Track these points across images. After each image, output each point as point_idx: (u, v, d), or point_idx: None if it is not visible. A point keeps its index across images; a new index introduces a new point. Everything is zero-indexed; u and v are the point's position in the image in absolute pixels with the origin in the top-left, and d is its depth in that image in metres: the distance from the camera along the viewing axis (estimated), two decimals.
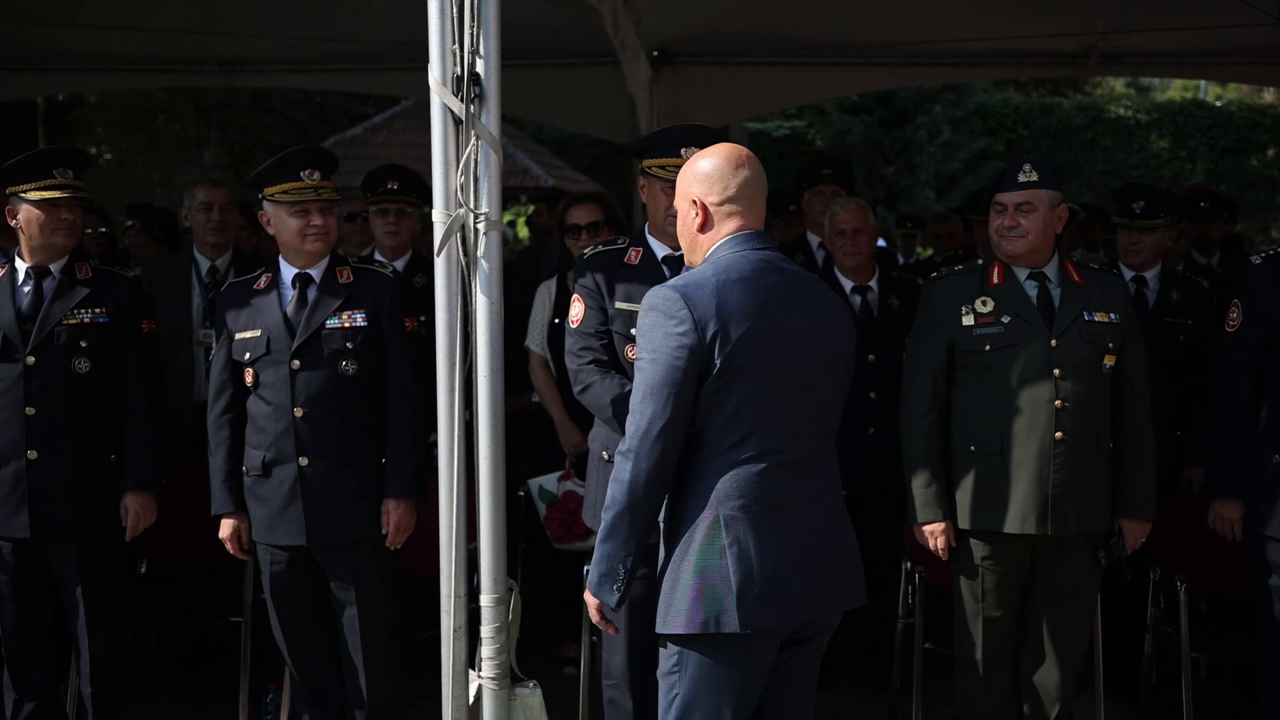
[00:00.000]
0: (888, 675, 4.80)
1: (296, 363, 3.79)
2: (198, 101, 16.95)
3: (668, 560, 2.86)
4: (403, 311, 4.01)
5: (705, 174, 2.92)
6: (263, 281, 3.90)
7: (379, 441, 3.91)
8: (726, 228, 2.89)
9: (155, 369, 4.07)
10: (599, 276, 3.72)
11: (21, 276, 3.94)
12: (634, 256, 3.77)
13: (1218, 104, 22.63)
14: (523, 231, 16.90)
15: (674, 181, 3.29)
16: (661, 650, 2.91)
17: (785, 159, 20.97)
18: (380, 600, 3.96)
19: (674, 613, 2.82)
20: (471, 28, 3.20)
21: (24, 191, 3.85)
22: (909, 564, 4.48)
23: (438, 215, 3.25)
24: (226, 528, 3.96)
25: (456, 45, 3.22)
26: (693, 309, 2.74)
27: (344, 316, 3.83)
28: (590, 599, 2.93)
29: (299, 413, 3.77)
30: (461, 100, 3.21)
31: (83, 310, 3.91)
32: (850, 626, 4.92)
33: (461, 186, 3.22)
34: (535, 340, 5.07)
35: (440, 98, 3.24)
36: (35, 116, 16.83)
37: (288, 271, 3.92)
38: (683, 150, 3.61)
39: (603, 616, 2.96)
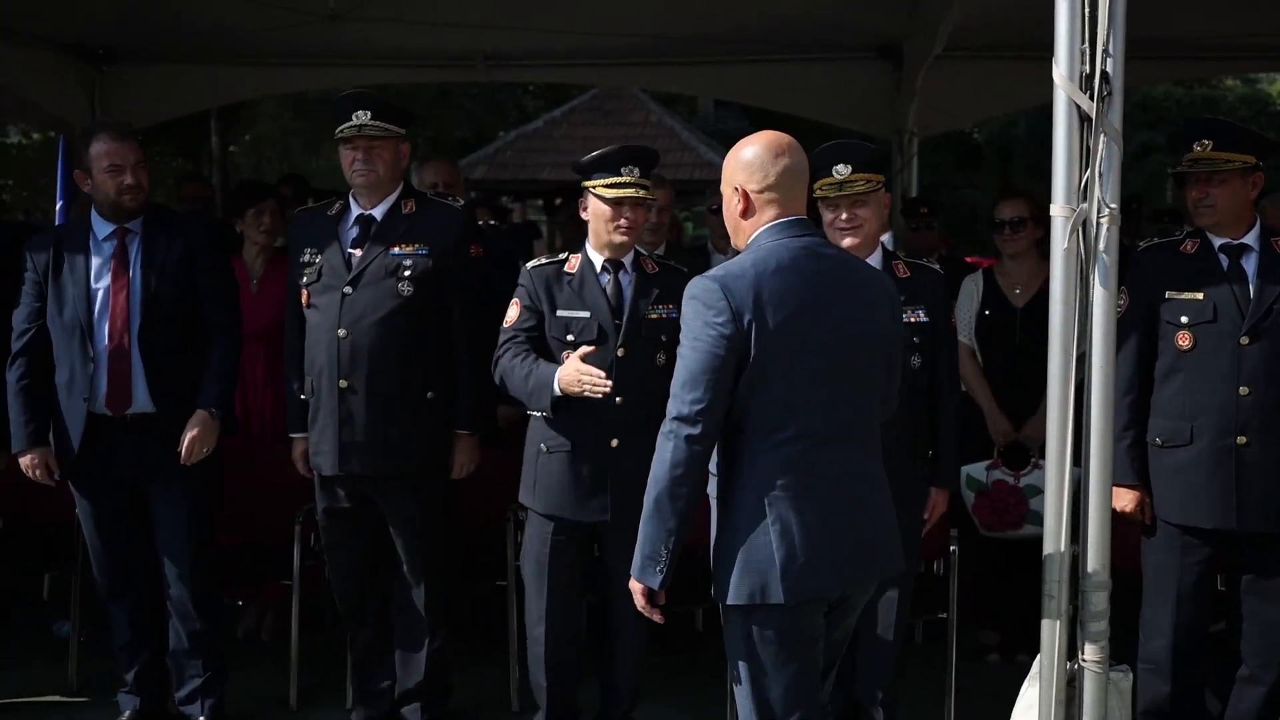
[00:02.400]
0: None
1: None
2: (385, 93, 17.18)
3: (718, 537, 2.98)
4: None
5: (747, 162, 3.00)
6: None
7: None
8: (767, 214, 2.98)
9: None
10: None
11: (599, 268, 4.06)
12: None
13: None
14: None
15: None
16: (723, 616, 3.02)
17: (940, 151, 20.92)
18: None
19: (725, 585, 2.93)
20: (1105, 28, 3.28)
21: (595, 186, 3.99)
22: None
23: (1059, 210, 3.34)
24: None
25: (1086, 45, 3.30)
26: (730, 299, 2.84)
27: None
28: (635, 585, 2.97)
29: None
30: (1091, 98, 3.30)
31: (659, 306, 4.04)
32: None
33: (1086, 182, 3.31)
34: (964, 331, 5.15)
35: (1067, 94, 3.32)
36: None
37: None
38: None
39: (648, 602, 2.98)
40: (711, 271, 2.96)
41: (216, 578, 4.58)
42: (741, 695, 3.02)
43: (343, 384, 4.17)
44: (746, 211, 3.02)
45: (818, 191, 3.96)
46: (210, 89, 9.57)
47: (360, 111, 4.19)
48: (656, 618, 3.04)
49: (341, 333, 4.16)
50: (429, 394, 4.25)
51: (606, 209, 3.98)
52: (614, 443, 3.96)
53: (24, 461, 4.36)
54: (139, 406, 4.29)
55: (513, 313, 4.07)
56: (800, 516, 2.89)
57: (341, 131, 4.22)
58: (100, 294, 4.28)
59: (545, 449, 4.03)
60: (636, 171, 3.99)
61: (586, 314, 3.99)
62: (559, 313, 4.03)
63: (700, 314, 2.89)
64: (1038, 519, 4.73)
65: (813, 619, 2.99)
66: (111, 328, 4.26)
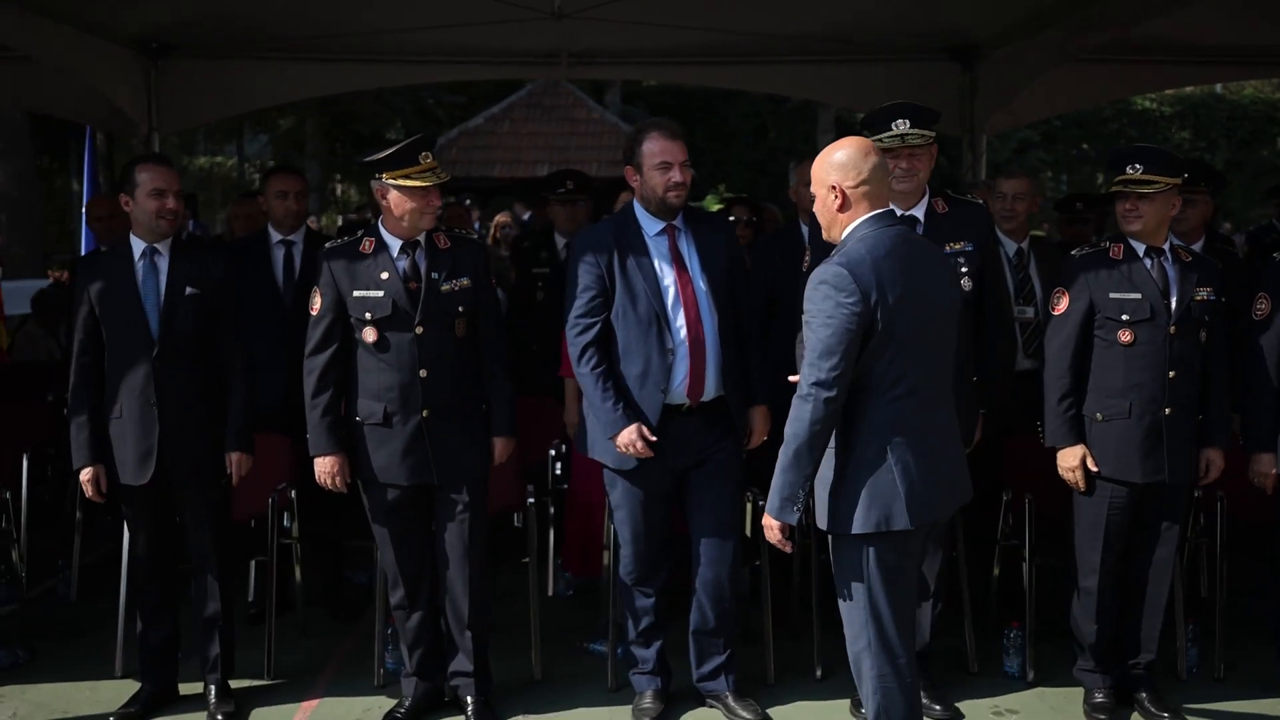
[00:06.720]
0: None
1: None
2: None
3: (836, 478, 3.49)
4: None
5: (841, 163, 3.50)
6: None
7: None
8: (863, 207, 3.49)
9: None
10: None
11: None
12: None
13: (1233, 98, 24.15)
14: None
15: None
16: (835, 546, 3.55)
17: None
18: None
19: (844, 517, 3.46)
20: None
21: None
22: None
23: None
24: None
25: None
26: (858, 282, 3.36)
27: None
28: (772, 521, 3.49)
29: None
30: None
31: None
32: None
33: None
34: None
35: None
36: None
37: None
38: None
39: (784, 537, 3.51)
40: (834, 259, 3.43)
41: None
42: (855, 612, 3.51)
43: None
44: (844, 206, 3.50)
45: None
46: (274, 85, 9.38)
47: (899, 120, 4.34)
48: (788, 548, 3.59)
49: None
50: None
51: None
52: None
53: (624, 439, 4.36)
54: (710, 394, 4.43)
55: None
56: (915, 458, 3.44)
57: (882, 141, 4.28)
58: (670, 289, 4.39)
59: None
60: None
61: None
62: None
63: (832, 296, 3.37)
64: None
65: (918, 542, 3.57)
66: (687, 319, 4.38)
